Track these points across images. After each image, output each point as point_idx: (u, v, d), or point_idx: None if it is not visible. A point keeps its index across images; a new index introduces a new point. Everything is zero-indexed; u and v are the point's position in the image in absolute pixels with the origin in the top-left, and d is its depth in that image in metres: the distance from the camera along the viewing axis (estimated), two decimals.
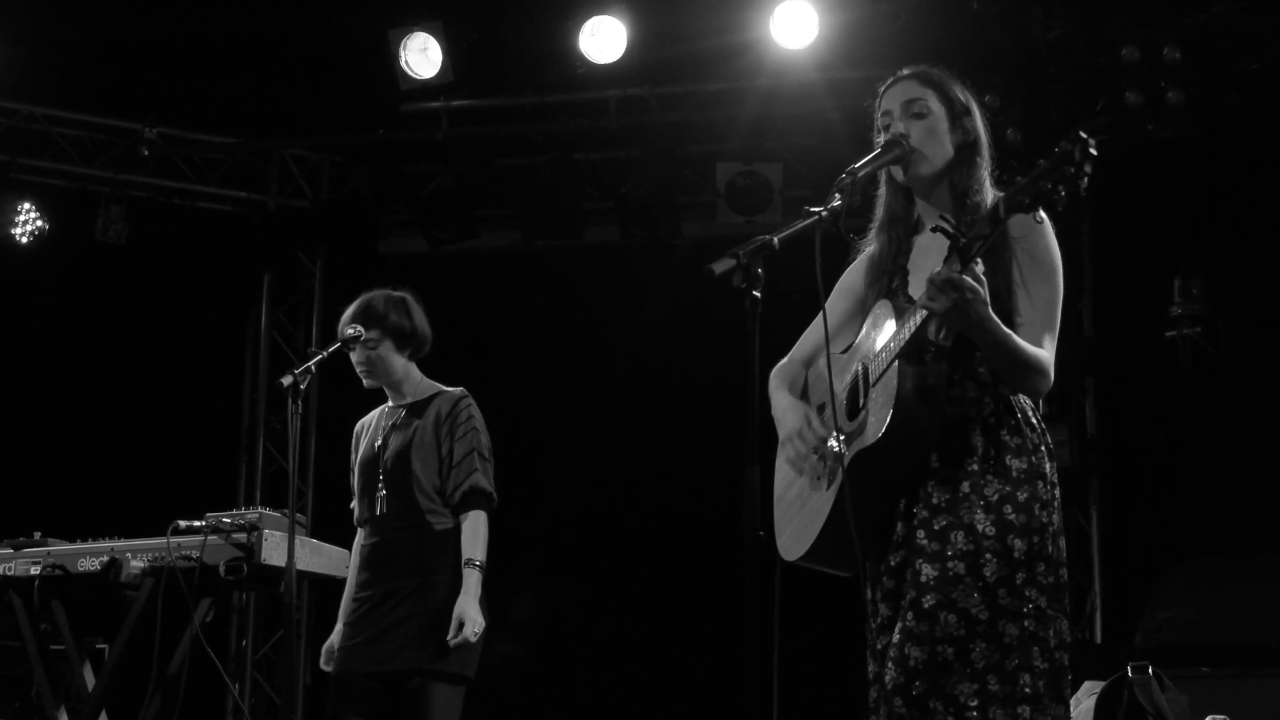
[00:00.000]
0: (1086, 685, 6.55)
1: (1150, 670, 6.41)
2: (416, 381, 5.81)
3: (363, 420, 5.91)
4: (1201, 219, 9.04)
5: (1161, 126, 8.41)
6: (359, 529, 5.75)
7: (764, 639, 3.30)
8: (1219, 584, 7.71)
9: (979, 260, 3.49)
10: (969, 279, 3.45)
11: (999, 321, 3.55)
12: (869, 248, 4.02)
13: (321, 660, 5.67)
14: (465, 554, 5.49)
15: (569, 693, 9.74)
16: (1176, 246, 9.05)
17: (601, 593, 9.80)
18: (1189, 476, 8.93)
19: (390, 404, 5.81)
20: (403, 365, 5.75)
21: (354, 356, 5.69)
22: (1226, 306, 8.82)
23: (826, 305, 3.97)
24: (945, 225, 3.49)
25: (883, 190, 3.97)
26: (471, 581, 5.44)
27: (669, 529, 9.55)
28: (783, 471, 4.03)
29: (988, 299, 3.50)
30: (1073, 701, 6.42)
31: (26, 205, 9.89)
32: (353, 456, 5.84)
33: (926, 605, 3.59)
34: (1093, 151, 3.28)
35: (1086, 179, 3.29)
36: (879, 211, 3.98)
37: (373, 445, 5.71)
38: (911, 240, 3.93)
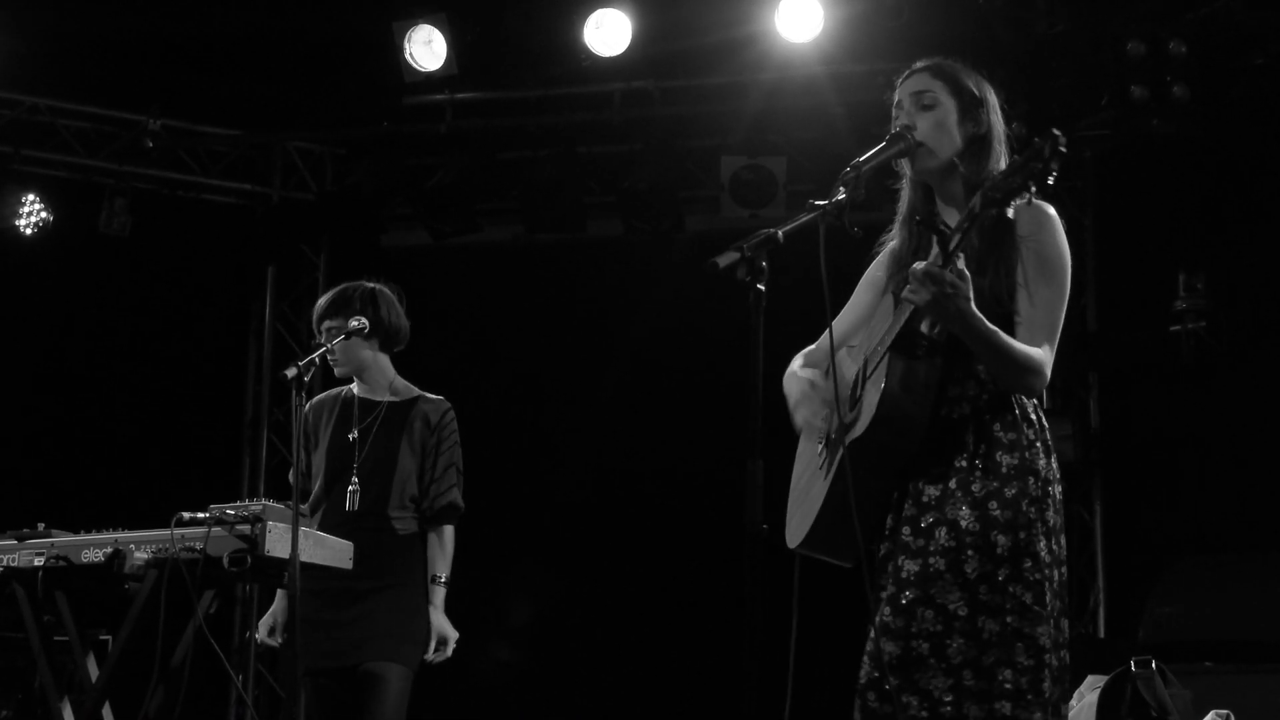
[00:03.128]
0: (1090, 679, 6.56)
1: (1154, 665, 6.41)
2: (390, 377, 5.84)
3: (318, 400, 5.93)
4: (1206, 214, 9.03)
5: (1166, 121, 8.40)
6: (311, 514, 5.77)
7: (765, 635, 3.30)
8: (1221, 580, 7.72)
9: (961, 255, 3.50)
10: (949, 273, 3.46)
11: (982, 318, 3.54)
12: (891, 242, 4.03)
13: (261, 633, 5.72)
14: (433, 569, 5.62)
15: (570, 691, 9.74)
16: (1181, 241, 9.04)
17: (603, 588, 9.80)
18: (1193, 471, 8.92)
19: (360, 394, 5.83)
20: (370, 356, 5.79)
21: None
22: (1230, 302, 8.82)
23: (851, 299, 4.05)
24: (930, 219, 3.52)
25: (904, 184, 3.98)
26: (440, 598, 5.61)
27: (671, 524, 9.55)
28: (800, 460, 4.05)
29: (970, 294, 3.49)
30: (1075, 695, 6.45)
31: (31, 197, 9.89)
32: (306, 438, 5.85)
33: (904, 601, 3.61)
34: (1062, 149, 3.32)
35: (1054, 175, 3.32)
36: (901, 206, 3.99)
37: (344, 436, 5.74)
38: (932, 235, 3.93)
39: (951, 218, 3.90)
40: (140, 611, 5.43)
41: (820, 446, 3.88)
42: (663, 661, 9.58)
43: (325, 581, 5.54)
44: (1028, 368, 3.64)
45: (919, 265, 3.49)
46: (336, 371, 5.82)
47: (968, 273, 3.50)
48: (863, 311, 4.05)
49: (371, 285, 5.88)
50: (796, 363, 4.11)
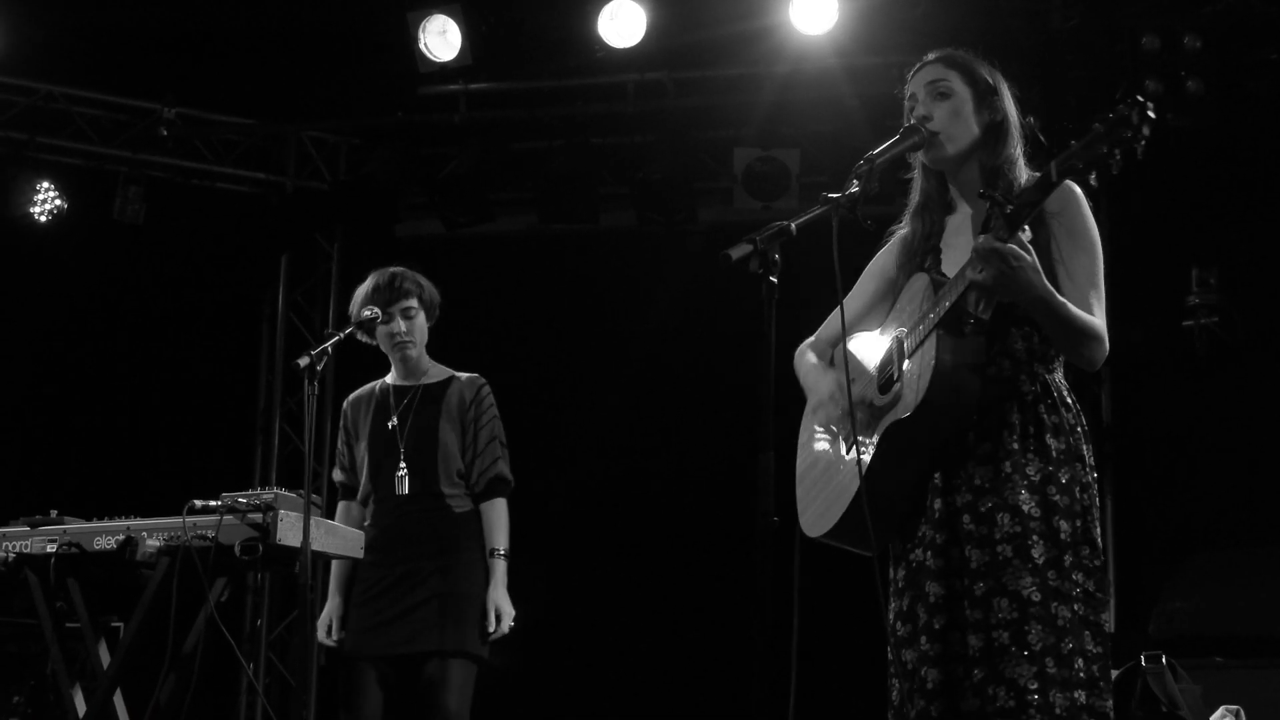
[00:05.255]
0: None
1: (1164, 659, 6.40)
2: (427, 360, 5.86)
3: (355, 396, 5.94)
4: (1219, 209, 9.00)
5: (1180, 115, 8.38)
6: (359, 506, 5.78)
7: (779, 625, 3.30)
8: (1232, 575, 7.70)
9: (1026, 228, 3.49)
10: (1014, 246, 3.45)
11: (1051, 288, 3.54)
12: (901, 230, 4.02)
13: (320, 633, 5.72)
14: (491, 543, 5.59)
15: (578, 688, 9.73)
16: (1194, 236, 9.02)
17: (612, 579, 9.80)
18: (1204, 466, 8.90)
19: (394, 381, 5.85)
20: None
21: (391, 328, 5.72)
22: (1243, 297, 8.80)
23: (854, 287, 4.02)
24: (993, 193, 3.50)
25: (917, 174, 3.97)
26: (500, 572, 5.58)
27: (683, 515, 9.54)
28: (806, 449, 4.04)
29: (1037, 265, 3.49)
30: None
31: (45, 184, 9.91)
32: (346, 434, 5.87)
33: (979, 593, 3.59)
34: (1151, 114, 3.29)
35: (1144, 142, 3.28)
36: (913, 196, 3.99)
37: (385, 424, 5.73)
38: (944, 220, 3.93)
39: (965, 203, 3.90)
40: (152, 599, 5.45)
41: (842, 432, 3.86)
42: (673, 654, 9.58)
43: (387, 567, 5.55)
44: (1093, 335, 3.64)
45: (983, 241, 3.47)
46: (408, 353, 5.80)
47: (1029, 245, 3.50)
48: (867, 300, 4.05)
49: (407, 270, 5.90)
50: (810, 355, 4.10)
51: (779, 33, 8.90)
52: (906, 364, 3.70)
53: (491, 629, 5.49)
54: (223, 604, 5.59)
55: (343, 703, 5.53)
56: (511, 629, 5.55)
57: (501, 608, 5.53)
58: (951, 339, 3.61)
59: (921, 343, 3.65)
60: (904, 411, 3.64)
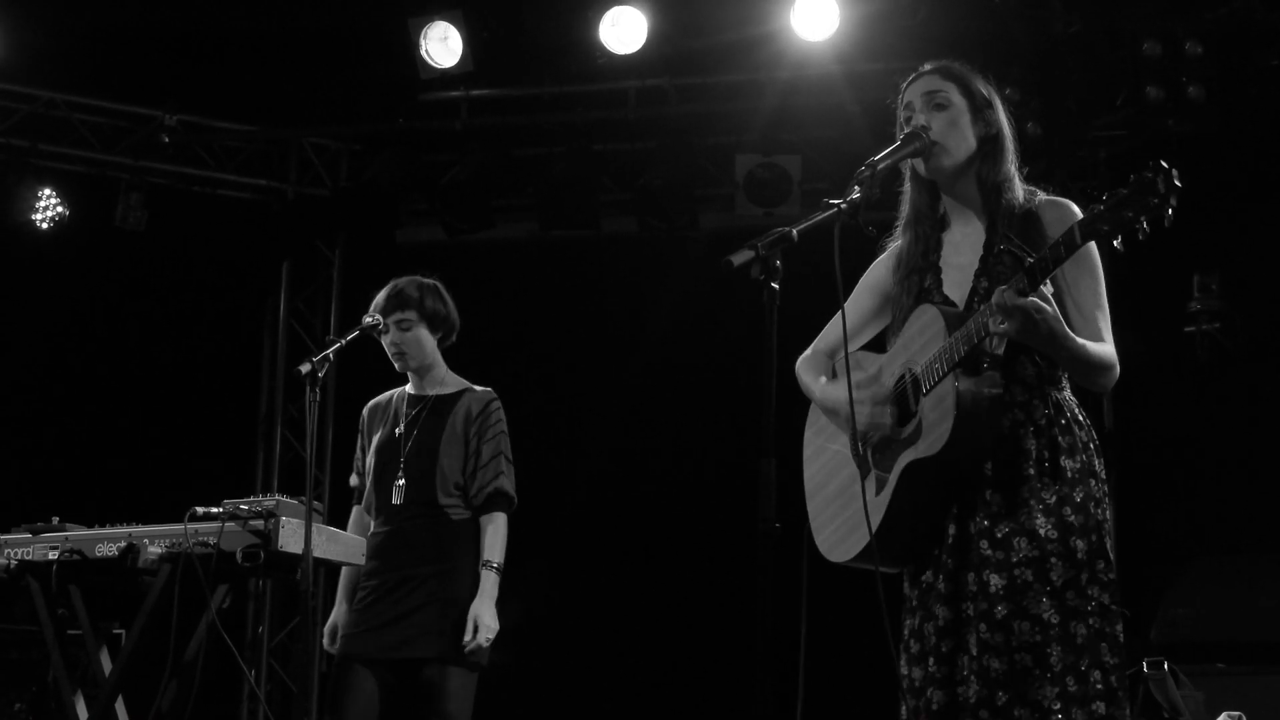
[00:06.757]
0: None
1: (1166, 666, 6.40)
2: (443, 372, 5.83)
3: (374, 402, 5.92)
4: (1221, 214, 9.00)
5: (1182, 121, 8.38)
6: (365, 513, 5.78)
7: (780, 631, 3.30)
8: (1234, 581, 7.70)
9: (1049, 283, 3.52)
10: (1036, 299, 3.47)
11: (1071, 334, 3.57)
12: (894, 243, 4.01)
13: (325, 640, 5.70)
14: (485, 555, 5.54)
15: (579, 691, 9.73)
16: (1195, 242, 9.00)
17: (614, 584, 9.80)
18: (1206, 472, 8.89)
19: (410, 391, 5.82)
20: (433, 348, 5.78)
21: (387, 339, 5.72)
22: (1245, 302, 8.79)
23: (850, 300, 3.99)
24: (1011, 246, 3.51)
25: (907, 186, 3.97)
26: (489, 584, 5.50)
27: (684, 520, 9.54)
28: (816, 462, 4.02)
29: (1059, 313, 3.52)
30: None
31: (47, 191, 9.92)
32: (362, 438, 5.86)
33: (999, 616, 3.61)
34: (1177, 183, 3.29)
35: (1171, 210, 3.28)
36: (904, 208, 3.98)
37: (392, 432, 5.71)
38: (940, 236, 3.92)
39: (961, 218, 3.90)
40: (154, 606, 5.45)
41: (858, 457, 3.85)
42: (675, 659, 9.58)
43: (385, 573, 5.53)
44: (1107, 367, 3.70)
45: (1006, 295, 3.48)
46: (398, 366, 5.79)
47: (1050, 297, 3.53)
48: (864, 315, 4.04)
49: (429, 280, 5.87)
50: (804, 372, 4.08)
51: (780, 39, 8.91)
52: (925, 400, 3.69)
53: (468, 639, 5.42)
54: (224, 611, 5.59)
55: (329, 704, 5.50)
56: (489, 642, 5.45)
57: (481, 619, 5.43)
58: (972, 378, 3.63)
59: (939, 381, 3.65)
60: (927, 450, 3.65)
